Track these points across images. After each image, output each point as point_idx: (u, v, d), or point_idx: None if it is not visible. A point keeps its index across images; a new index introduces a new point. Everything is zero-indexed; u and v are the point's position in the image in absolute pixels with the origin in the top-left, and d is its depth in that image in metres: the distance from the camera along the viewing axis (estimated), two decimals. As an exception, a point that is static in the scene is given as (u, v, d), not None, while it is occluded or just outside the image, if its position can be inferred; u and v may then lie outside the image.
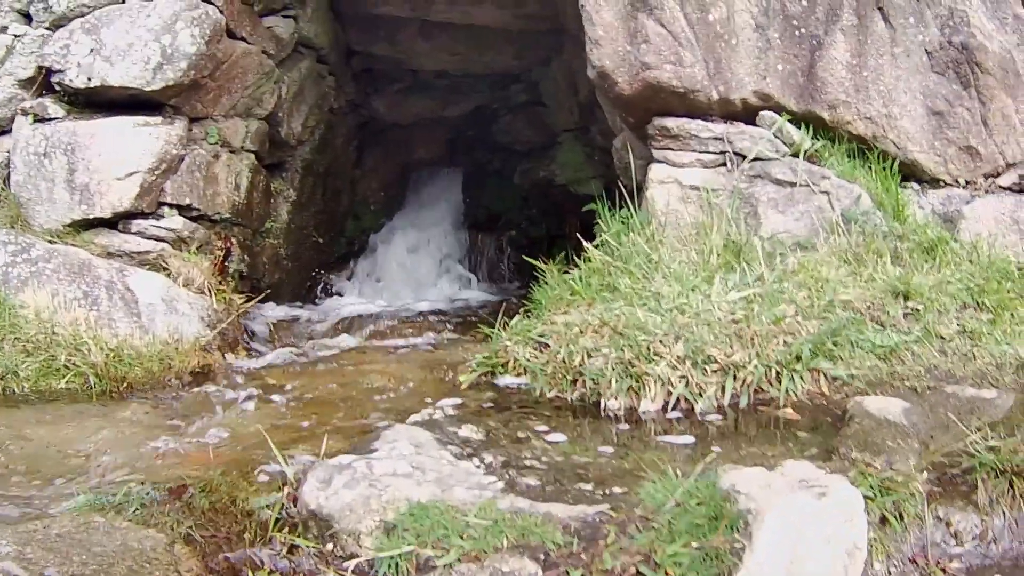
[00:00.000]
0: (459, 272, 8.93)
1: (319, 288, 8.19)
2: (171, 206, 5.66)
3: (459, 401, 3.51)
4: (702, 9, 4.62)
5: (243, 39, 6.23)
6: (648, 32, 4.57)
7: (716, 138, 4.63)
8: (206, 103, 6.00)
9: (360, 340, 5.79)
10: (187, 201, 5.74)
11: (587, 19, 4.68)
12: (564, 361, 3.68)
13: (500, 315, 4.41)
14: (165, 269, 5.42)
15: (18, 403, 4.23)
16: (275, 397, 4.15)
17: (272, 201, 7.23)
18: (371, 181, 9.76)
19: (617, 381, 3.47)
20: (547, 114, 9.09)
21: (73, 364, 4.49)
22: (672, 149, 4.71)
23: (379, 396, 4.03)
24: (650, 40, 4.56)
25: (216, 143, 6.10)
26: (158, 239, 5.57)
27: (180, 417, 3.89)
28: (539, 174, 9.10)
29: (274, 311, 6.66)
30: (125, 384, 4.38)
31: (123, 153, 5.40)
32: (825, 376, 3.61)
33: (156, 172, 5.49)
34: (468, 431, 2.71)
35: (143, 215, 5.55)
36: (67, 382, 4.42)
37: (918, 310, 4.02)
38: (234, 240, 6.36)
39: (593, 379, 3.54)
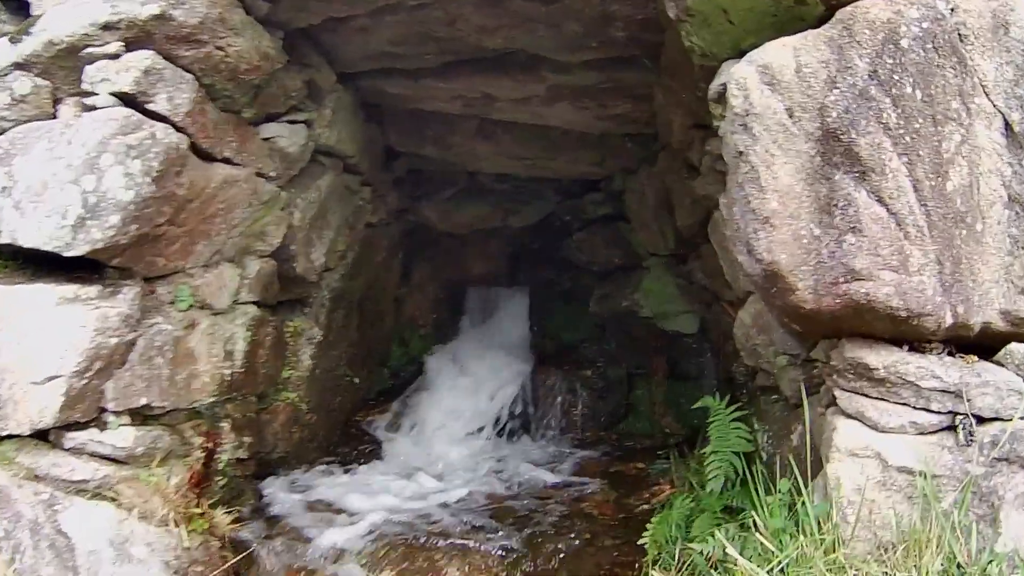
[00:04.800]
0: (525, 422, 7.12)
1: (354, 446, 6.46)
2: (117, 413, 3.99)
3: None
4: (936, 172, 2.62)
5: (225, 160, 4.54)
6: (859, 213, 2.58)
7: (946, 391, 2.76)
8: (170, 255, 4.30)
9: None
10: (142, 401, 4.06)
11: (750, 178, 2.81)
12: None
13: None
14: (113, 499, 3.79)
15: None
16: None
17: (289, 347, 5.64)
18: (419, 299, 8.15)
19: None
20: (631, 232, 7.32)
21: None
22: (870, 397, 2.80)
23: None
24: (861, 228, 2.58)
25: (188, 307, 4.44)
26: (102, 457, 3.91)
27: None
28: (620, 304, 7.31)
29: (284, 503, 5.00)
30: None
31: (41, 346, 3.71)
32: None
33: (86, 375, 3.78)
34: None
35: (79, 425, 3.87)
36: None
37: None
38: (226, 425, 4.73)
39: None
